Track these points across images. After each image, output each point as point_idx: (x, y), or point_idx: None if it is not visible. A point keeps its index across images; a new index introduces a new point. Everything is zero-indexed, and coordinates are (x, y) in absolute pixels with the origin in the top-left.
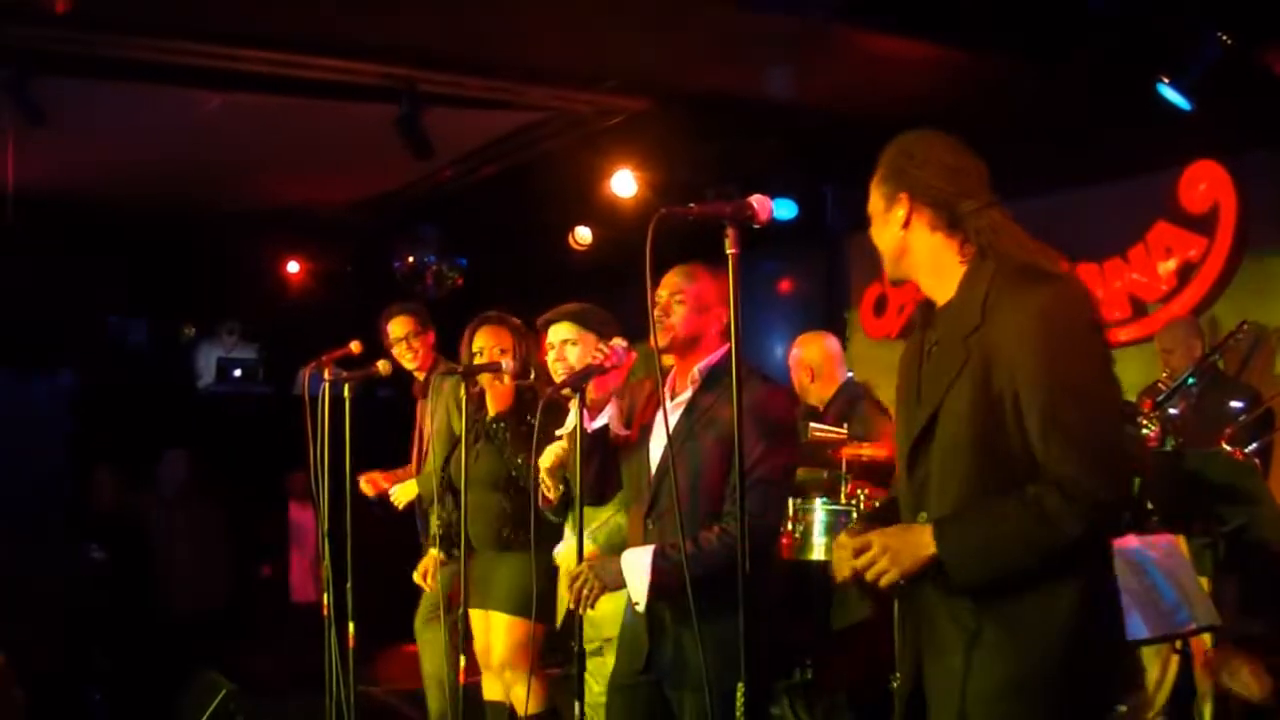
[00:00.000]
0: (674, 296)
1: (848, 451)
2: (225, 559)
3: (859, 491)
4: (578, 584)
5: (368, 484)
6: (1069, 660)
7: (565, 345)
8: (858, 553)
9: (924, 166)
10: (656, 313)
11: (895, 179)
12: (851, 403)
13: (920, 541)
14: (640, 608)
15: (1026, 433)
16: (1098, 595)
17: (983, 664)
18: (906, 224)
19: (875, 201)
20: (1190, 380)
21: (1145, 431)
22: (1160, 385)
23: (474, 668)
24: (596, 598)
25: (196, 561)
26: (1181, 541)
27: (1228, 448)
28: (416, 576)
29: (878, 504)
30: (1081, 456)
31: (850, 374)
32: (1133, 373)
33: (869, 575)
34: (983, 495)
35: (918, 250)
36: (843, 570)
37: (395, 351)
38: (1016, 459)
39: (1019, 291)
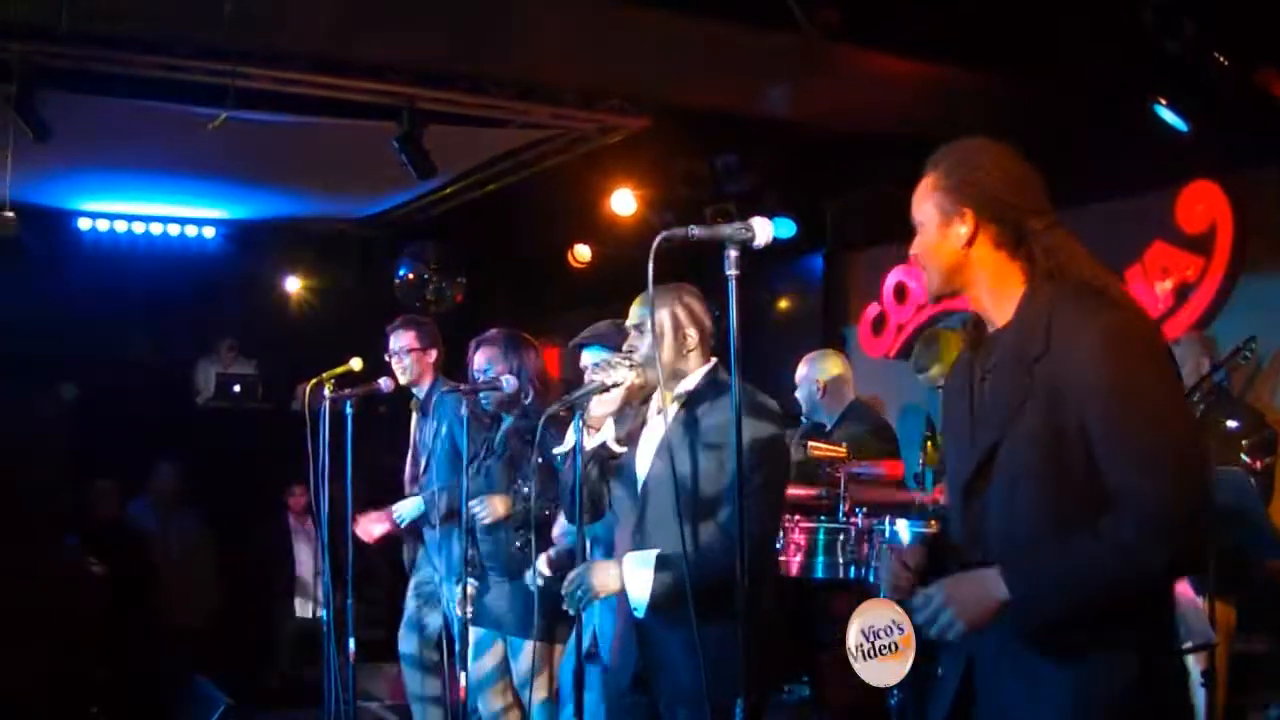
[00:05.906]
0: (635, 328)
1: (846, 469)
2: (224, 573)
3: (856, 510)
4: (571, 587)
5: (364, 533)
6: None
7: (592, 369)
8: (919, 608)
9: (991, 178)
10: (625, 346)
11: (957, 191)
12: (857, 424)
13: (987, 589)
14: (640, 613)
15: (1096, 460)
16: (1162, 662)
17: None
18: (971, 242)
19: (926, 211)
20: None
21: None
22: None
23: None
24: (590, 602)
25: (195, 574)
26: None
27: (1246, 459)
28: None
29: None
30: (1159, 476)
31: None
32: None
33: (932, 632)
34: (1050, 529)
35: (978, 269)
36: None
37: (391, 363)
38: (1085, 491)
39: (1086, 315)
